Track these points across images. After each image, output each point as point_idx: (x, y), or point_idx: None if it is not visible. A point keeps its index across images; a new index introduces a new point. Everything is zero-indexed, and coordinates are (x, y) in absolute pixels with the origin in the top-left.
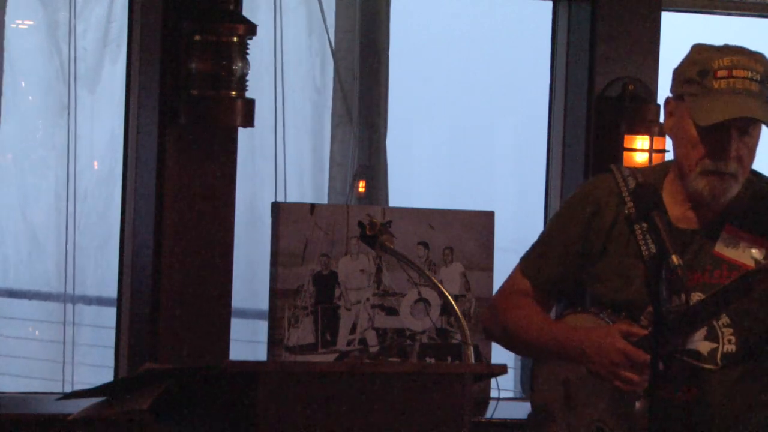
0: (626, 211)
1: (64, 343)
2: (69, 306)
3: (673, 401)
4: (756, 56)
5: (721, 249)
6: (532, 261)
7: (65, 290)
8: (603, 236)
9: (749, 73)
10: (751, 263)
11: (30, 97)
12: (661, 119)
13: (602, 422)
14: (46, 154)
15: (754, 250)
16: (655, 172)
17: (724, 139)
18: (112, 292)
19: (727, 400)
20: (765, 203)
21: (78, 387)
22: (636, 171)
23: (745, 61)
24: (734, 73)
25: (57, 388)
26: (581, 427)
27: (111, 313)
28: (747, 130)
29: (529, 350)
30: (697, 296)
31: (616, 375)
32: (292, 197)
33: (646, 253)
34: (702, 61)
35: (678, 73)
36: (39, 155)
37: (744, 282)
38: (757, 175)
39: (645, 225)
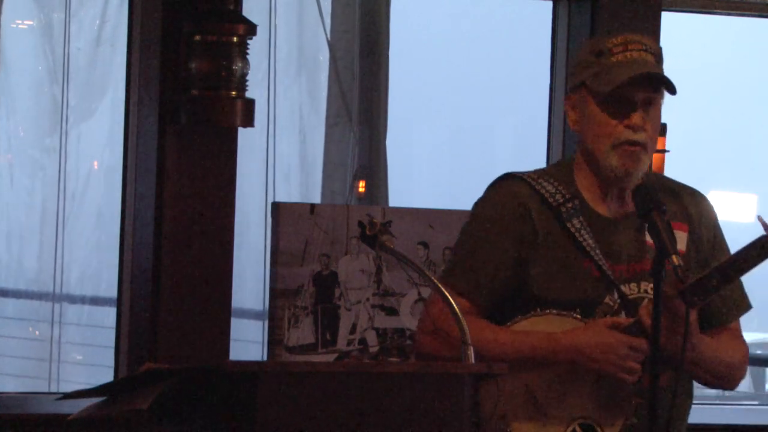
0: (561, 210)
1: (51, 341)
2: (57, 305)
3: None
4: (646, 36)
5: (648, 238)
6: (464, 277)
7: (53, 290)
8: (537, 239)
9: (643, 46)
10: (680, 246)
11: (23, 97)
12: (662, 119)
13: (589, 419)
14: (38, 154)
15: (678, 233)
16: (560, 170)
17: (630, 107)
18: (101, 291)
19: (688, 387)
20: (669, 191)
21: (65, 385)
22: (538, 173)
23: (637, 37)
24: (629, 47)
25: (44, 386)
26: (560, 428)
27: (101, 312)
28: (650, 101)
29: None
30: (645, 285)
31: (623, 368)
32: (283, 197)
33: (589, 248)
34: (596, 44)
35: (575, 65)
36: (30, 155)
37: (756, 249)
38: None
39: (576, 222)
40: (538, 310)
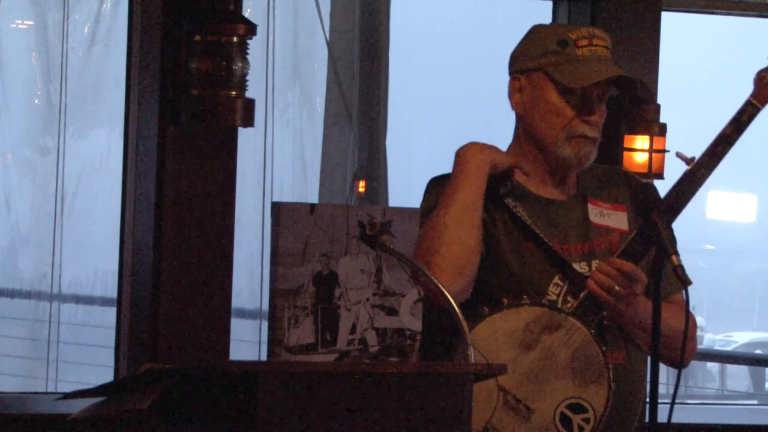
0: (499, 193)
1: (48, 341)
2: (55, 304)
3: (617, 365)
4: (604, 31)
5: (593, 218)
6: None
7: (51, 289)
8: (486, 229)
9: (604, 42)
10: (623, 226)
11: (20, 97)
12: (662, 119)
13: (574, 397)
14: (35, 154)
15: (619, 213)
16: None
17: (589, 102)
18: (100, 291)
19: (643, 365)
20: (605, 176)
21: (63, 385)
22: None
23: (598, 32)
24: (594, 42)
25: (42, 386)
26: (549, 416)
27: (100, 312)
28: (603, 97)
29: (458, 223)
30: (596, 264)
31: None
32: (279, 197)
33: (534, 227)
34: (558, 33)
35: (529, 48)
36: (27, 155)
37: (687, 181)
38: None
39: (511, 202)
40: (485, 310)
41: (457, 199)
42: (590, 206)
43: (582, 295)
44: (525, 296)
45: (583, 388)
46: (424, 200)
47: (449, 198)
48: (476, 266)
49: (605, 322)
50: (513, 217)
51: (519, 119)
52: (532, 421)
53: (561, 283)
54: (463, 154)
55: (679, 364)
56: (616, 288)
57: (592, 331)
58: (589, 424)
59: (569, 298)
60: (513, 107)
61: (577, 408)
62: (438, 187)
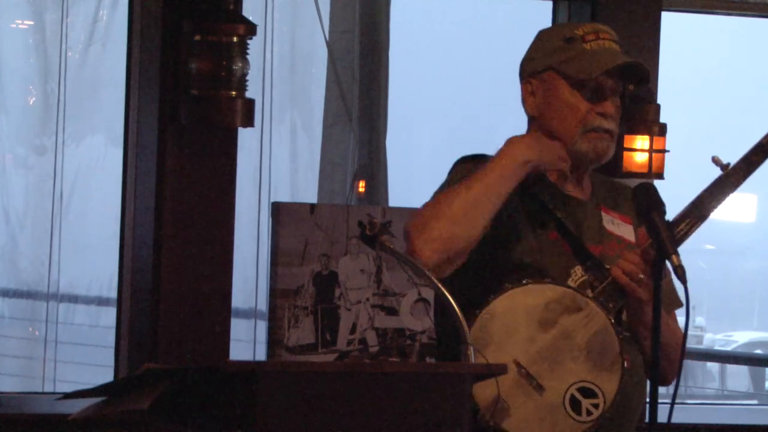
0: (533, 183)
1: (45, 340)
2: (52, 304)
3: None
4: (610, 27)
5: (606, 225)
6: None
7: (48, 289)
8: (514, 216)
9: (611, 36)
10: (631, 238)
11: (18, 97)
12: (662, 119)
13: (587, 381)
14: (33, 154)
15: (628, 226)
16: None
17: (602, 94)
18: (100, 291)
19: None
20: (614, 187)
21: (63, 385)
22: None
23: (603, 27)
24: (601, 35)
25: (41, 386)
26: (559, 396)
27: (100, 312)
28: (616, 91)
29: (477, 208)
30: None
31: (557, 153)
32: (278, 198)
33: (564, 219)
34: (564, 32)
35: (537, 51)
36: (26, 154)
37: (719, 187)
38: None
39: (547, 196)
40: (508, 285)
41: (478, 187)
42: (603, 213)
43: (605, 281)
44: (547, 276)
45: (596, 374)
46: (448, 178)
47: (473, 180)
48: (464, 257)
49: (623, 316)
50: (541, 206)
51: (533, 122)
52: (542, 398)
53: (580, 275)
54: (510, 148)
55: (671, 377)
56: (641, 276)
57: (612, 318)
58: (598, 409)
59: (588, 291)
60: (527, 111)
61: (587, 392)
62: (465, 165)
